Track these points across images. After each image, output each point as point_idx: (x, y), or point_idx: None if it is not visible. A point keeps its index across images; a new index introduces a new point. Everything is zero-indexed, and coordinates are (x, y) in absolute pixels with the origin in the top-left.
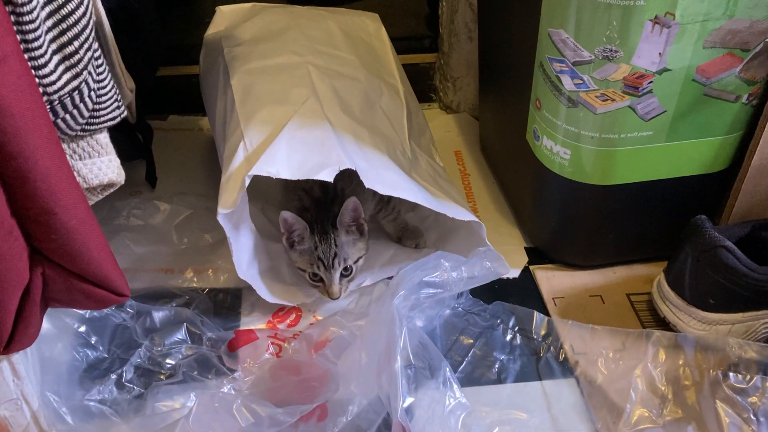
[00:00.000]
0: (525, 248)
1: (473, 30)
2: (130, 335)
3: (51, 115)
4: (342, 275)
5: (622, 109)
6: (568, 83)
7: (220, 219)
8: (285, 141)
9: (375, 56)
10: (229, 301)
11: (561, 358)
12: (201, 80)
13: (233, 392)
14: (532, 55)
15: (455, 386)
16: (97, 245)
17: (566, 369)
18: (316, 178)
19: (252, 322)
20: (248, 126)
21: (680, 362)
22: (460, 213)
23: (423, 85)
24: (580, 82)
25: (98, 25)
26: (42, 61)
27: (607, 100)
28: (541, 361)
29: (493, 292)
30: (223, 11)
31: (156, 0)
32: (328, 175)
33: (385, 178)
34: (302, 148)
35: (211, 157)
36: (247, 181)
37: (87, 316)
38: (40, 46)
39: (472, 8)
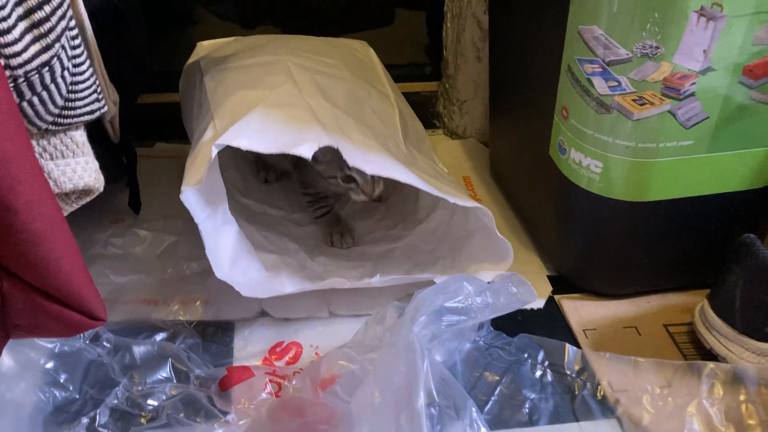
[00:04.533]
0: (548, 277)
1: (481, 49)
2: (106, 372)
3: (15, 96)
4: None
5: (662, 114)
6: (600, 86)
7: (184, 197)
8: (259, 114)
9: (363, 67)
10: (219, 336)
11: (599, 396)
12: (181, 106)
13: None
14: (557, 60)
15: (483, 429)
16: (68, 254)
17: (606, 408)
18: (292, 153)
19: (246, 359)
20: (219, 109)
21: (741, 398)
22: (458, 198)
23: (425, 113)
24: (615, 84)
25: (80, 28)
26: (4, 25)
27: (645, 104)
28: (577, 400)
29: (516, 324)
30: (204, 45)
31: (142, 8)
32: (306, 151)
33: (371, 157)
34: (277, 123)
35: None
36: (215, 151)
37: (56, 350)
38: (2, 7)
39: (481, 26)
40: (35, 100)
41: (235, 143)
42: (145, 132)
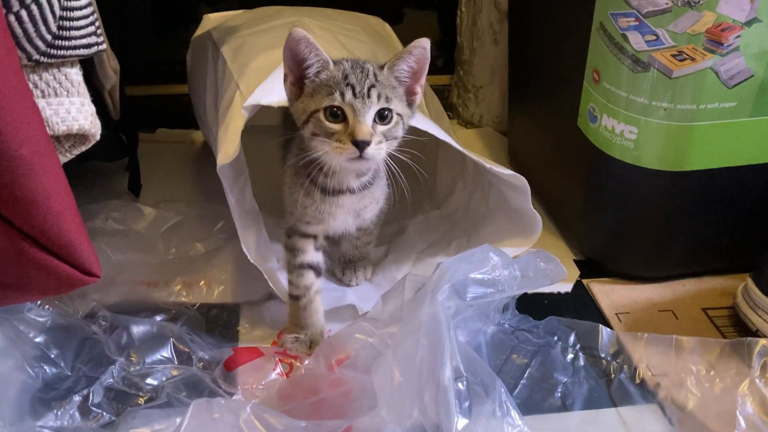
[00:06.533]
0: (575, 261)
1: (498, 31)
2: (101, 350)
3: (2, 6)
4: (376, 121)
5: (703, 71)
6: (636, 41)
7: (221, 171)
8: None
9: (382, 39)
10: (224, 318)
11: (638, 379)
12: (188, 78)
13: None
14: (588, 19)
15: (513, 411)
16: (58, 192)
17: (646, 392)
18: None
19: (253, 343)
20: (242, 76)
21: None
22: (493, 165)
23: None
24: (653, 38)
25: None
26: None
27: (685, 59)
28: (613, 384)
29: (542, 308)
30: (211, 18)
31: None
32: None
33: None
34: None
35: (203, 168)
36: (246, 115)
37: (48, 324)
38: None
39: (498, 6)
40: (23, 14)
41: (264, 102)
42: (148, 124)
